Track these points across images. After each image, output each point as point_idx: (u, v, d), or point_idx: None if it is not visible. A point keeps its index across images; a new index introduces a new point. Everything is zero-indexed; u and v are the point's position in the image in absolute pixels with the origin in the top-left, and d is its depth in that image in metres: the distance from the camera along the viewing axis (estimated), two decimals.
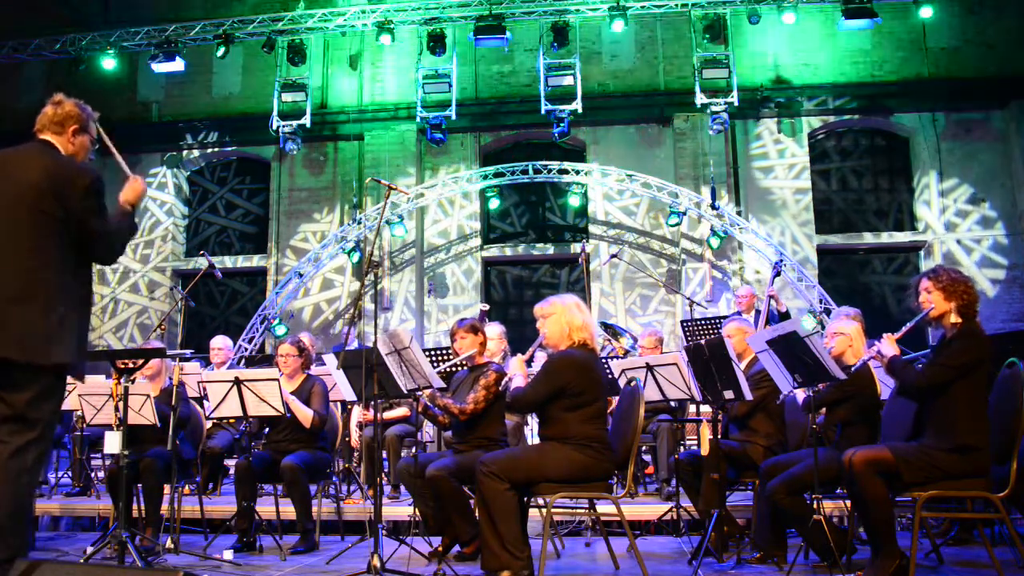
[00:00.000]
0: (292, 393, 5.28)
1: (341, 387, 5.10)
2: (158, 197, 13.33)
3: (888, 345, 3.87)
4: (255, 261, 13.07)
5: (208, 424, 6.13)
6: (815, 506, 3.96)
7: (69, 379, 3.31)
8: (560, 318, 4.10)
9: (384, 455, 6.29)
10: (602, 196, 12.36)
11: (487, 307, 8.93)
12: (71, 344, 3.11)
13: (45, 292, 3.05)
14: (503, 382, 4.52)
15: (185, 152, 13.46)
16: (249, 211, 13.56)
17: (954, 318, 3.73)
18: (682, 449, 6.29)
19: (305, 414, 5.20)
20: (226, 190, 13.70)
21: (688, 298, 8.97)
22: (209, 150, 13.50)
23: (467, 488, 5.30)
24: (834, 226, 12.40)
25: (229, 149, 13.49)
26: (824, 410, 4.42)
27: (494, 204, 12.28)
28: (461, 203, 12.62)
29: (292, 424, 5.24)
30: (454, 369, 5.11)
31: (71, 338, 3.11)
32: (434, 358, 5.80)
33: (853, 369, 4.16)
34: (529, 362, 4.84)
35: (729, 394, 4.46)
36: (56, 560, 3.69)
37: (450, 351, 5.98)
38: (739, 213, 11.94)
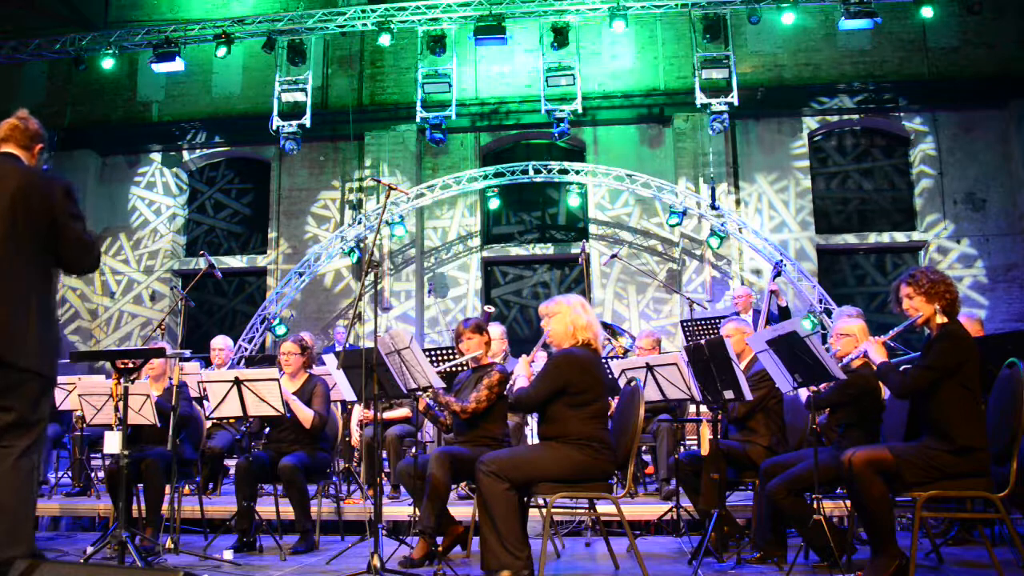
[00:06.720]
0: (294, 393, 5.27)
1: (341, 387, 5.09)
2: (146, 196, 13.33)
3: (876, 351, 3.86)
4: (257, 262, 13.05)
5: (208, 424, 6.13)
6: (815, 506, 3.96)
7: (70, 379, 3.34)
8: (564, 317, 4.10)
9: (384, 455, 6.29)
10: (602, 196, 12.36)
11: (492, 309, 8.91)
12: (41, 349, 3.18)
13: (18, 297, 3.14)
14: (507, 384, 4.51)
15: (185, 152, 13.45)
16: (249, 211, 13.55)
17: (940, 319, 3.73)
18: (682, 449, 6.29)
19: (306, 414, 5.19)
20: (215, 189, 13.67)
21: (688, 298, 8.96)
22: (209, 150, 13.50)
23: (462, 486, 5.27)
24: (834, 226, 12.39)
25: (229, 149, 13.48)
26: (828, 410, 4.42)
27: (494, 204, 12.28)
28: (461, 203, 12.62)
29: (293, 424, 5.23)
30: (459, 369, 5.11)
31: (37, 341, 3.17)
32: (435, 358, 5.79)
33: (843, 362, 4.10)
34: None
35: (729, 394, 4.46)
36: (56, 560, 3.68)
37: (452, 351, 5.98)
38: (738, 209, 11.95)
